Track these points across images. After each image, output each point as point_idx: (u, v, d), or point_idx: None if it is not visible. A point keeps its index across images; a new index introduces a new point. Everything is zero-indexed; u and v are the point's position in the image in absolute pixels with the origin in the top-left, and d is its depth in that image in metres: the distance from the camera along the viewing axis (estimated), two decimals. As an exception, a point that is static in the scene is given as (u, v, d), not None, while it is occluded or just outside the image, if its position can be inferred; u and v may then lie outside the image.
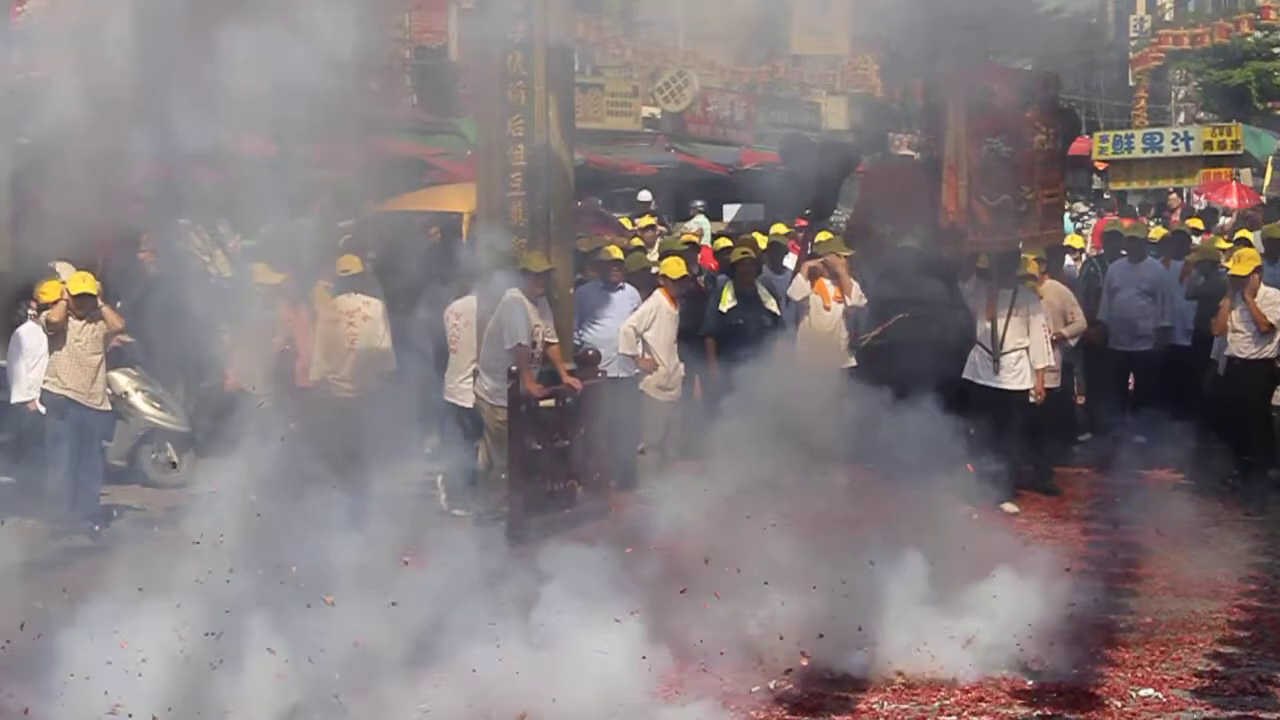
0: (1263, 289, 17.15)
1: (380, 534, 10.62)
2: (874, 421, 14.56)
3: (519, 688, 9.54)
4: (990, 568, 11.45)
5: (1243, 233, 23.00)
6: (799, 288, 17.87)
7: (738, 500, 12.36)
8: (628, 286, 18.10)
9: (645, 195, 30.11)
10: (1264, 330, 16.98)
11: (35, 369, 15.97)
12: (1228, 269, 17.83)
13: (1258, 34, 48.81)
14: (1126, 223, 25.22)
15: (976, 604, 11.11)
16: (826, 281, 17.77)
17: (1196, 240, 22.70)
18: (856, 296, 17.70)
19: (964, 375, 16.74)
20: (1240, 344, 17.15)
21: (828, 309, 17.69)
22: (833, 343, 17.62)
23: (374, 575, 10.07)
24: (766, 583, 10.97)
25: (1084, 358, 20.04)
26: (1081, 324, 18.59)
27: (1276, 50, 51.69)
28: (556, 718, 9.49)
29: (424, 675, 9.74)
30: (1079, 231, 27.48)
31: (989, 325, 16.75)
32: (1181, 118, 52.22)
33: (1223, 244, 21.45)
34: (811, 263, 17.98)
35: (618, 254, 18.85)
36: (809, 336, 17.67)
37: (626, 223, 25.95)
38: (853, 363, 17.58)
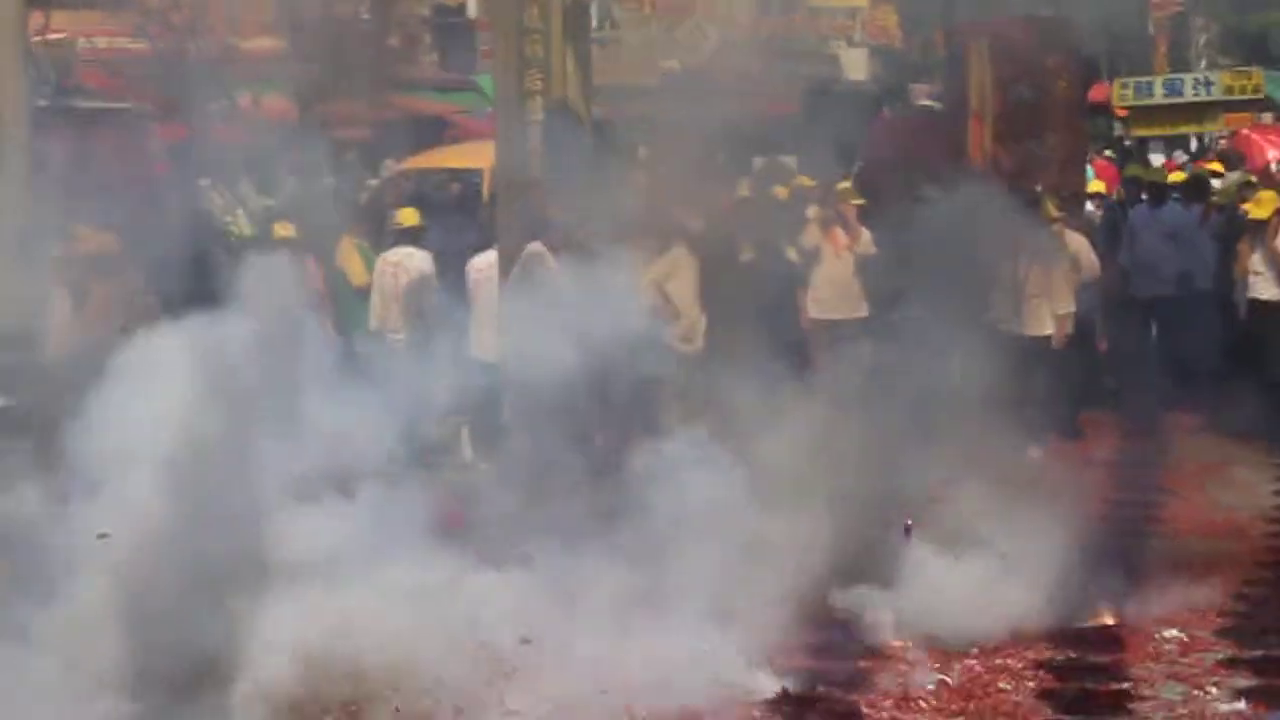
0: (1285, 229, 17.14)
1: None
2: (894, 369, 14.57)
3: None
4: (1014, 511, 11.46)
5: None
6: (810, 235, 17.90)
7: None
8: None
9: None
10: (1280, 273, 17.00)
11: None
12: (1247, 212, 17.81)
13: (1278, -23, 48.59)
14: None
15: (999, 546, 11.13)
16: (838, 229, 17.81)
17: (1217, 183, 22.63)
18: (866, 244, 17.71)
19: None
20: (1261, 286, 17.15)
21: (839, 257, 17.72)
22: (846, 290, 17.65)
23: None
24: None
25: (1105, 303, 20.00)
26: (1094, 269, 18.53)
27: (1298, -6, 51.46)
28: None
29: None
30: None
31: (1010, 272, 16.76)
32: (1203, 64, 51.94)
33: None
34: (823, 211, 18.01)
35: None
36: (822, 285, 17.71)
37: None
38: (865, 312, 17.59)
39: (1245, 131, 30.27)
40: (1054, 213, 17.59)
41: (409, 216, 17.59)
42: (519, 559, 10.07)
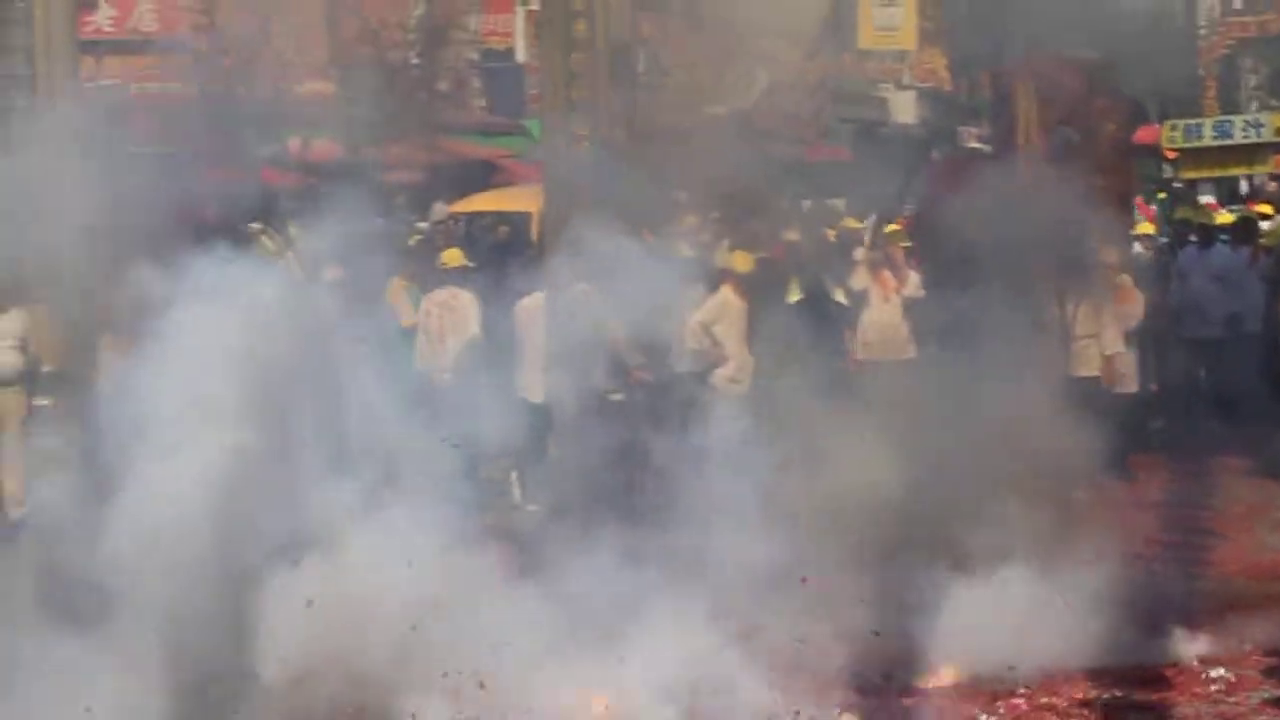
0: (1331, 272, 17.13)
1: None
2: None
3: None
4: (1062, 549, 11.47)
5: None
6: (859, 278, 17.96)
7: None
8: None
9: None
10: (1328, 314, 16.98)
11: None
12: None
13: (1328, 20, 48.51)
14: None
15: (1049, 584, 11.13)
16: (886, 272, 17.86)
17: (1266, 225, 22.61)
18: (914, 287, 17.75)
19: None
20: (1308, 328, 17.17)
21: (887, 300, 17.77)
22: (894, 333, 17.69)
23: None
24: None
25: (1155, 344, 19.99)
26: (1137, 310, 18.42)
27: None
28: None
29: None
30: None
31: (1058, 313, 16.78)
32: (1254, 106, 51.86)
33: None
34: (871, 254, 18.06)
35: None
36: (870, 327, 17.77)
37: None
38: (912, 353, 17.62)
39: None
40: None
41: (454, 257, 17.75)
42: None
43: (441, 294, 17.48)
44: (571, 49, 16.28)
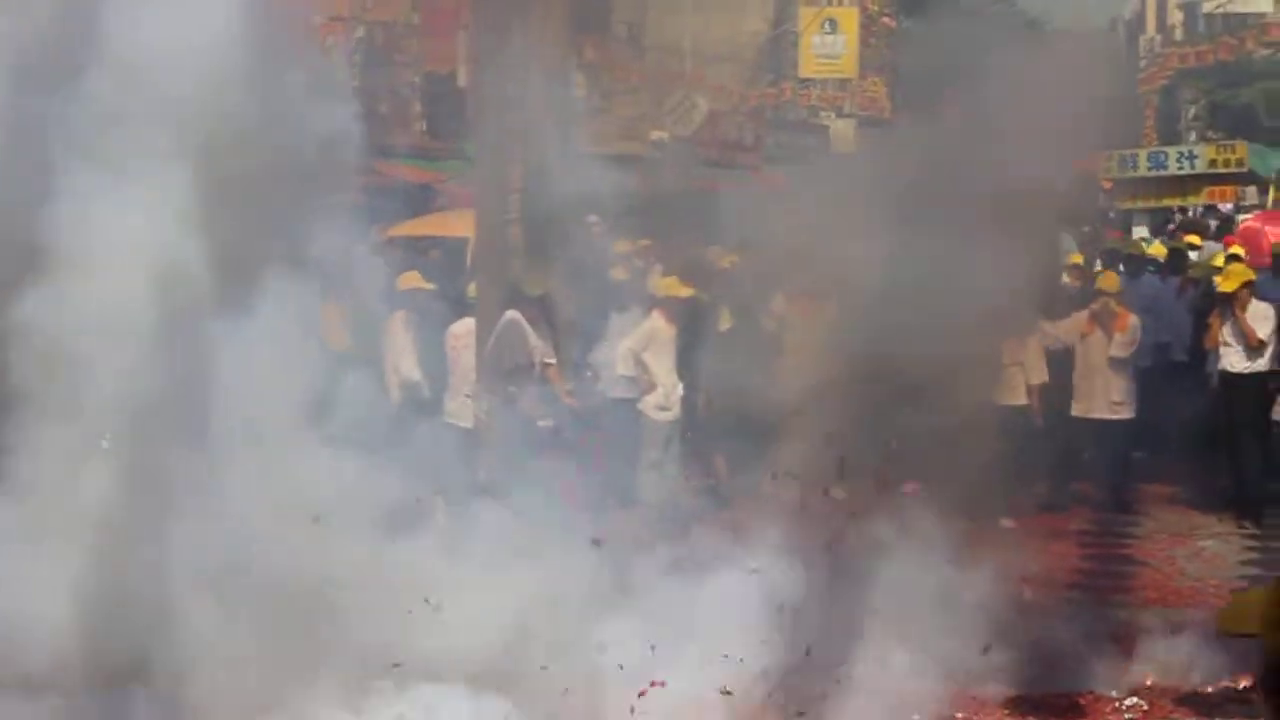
0: (1253, 303, 17.26)
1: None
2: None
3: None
4: (978, 580, 11.55)
5: (1235, 248, 23.11)
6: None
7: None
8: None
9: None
10: (1253, 345, 17.11)
11: None
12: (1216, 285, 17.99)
13: (1264, 51, 48.90)
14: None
15: (962, 615, 11.22)
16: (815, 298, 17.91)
17: (1194, 256, 22.85)
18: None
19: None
20: (1231, 359, 17.30)
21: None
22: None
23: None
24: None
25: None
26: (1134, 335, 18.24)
27: (1284, 68, 51.87)
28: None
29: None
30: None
31: (984, 342, 16.88)
32: (1193, 137, 52.27)
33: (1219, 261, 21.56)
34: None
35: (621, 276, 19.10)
36: (799, 353, 17.81)
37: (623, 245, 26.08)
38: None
39: (1254, 223, 30.23)
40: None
41: (410, 279, 17.47)
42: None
43: (461, 326, 16.99)
44: (505, 72, 16.29)
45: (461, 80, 36.06)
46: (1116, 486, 17.90)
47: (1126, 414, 17.72)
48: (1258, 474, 17.49)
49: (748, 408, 14.58)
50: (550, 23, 16.59)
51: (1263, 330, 17.11)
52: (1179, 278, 20.42)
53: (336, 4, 33.44)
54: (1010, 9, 38.17)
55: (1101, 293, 17.84)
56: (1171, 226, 34.73)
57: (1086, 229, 27.11)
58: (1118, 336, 17.55)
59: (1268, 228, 27.97)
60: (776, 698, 10.45)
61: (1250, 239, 27.08)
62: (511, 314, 15.55)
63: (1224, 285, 17.52)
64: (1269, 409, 18.32)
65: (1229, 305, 17.30)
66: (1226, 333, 17.29)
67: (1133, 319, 17.73)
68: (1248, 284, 17.40)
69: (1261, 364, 17.20)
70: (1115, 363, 17.63)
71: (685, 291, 18.11)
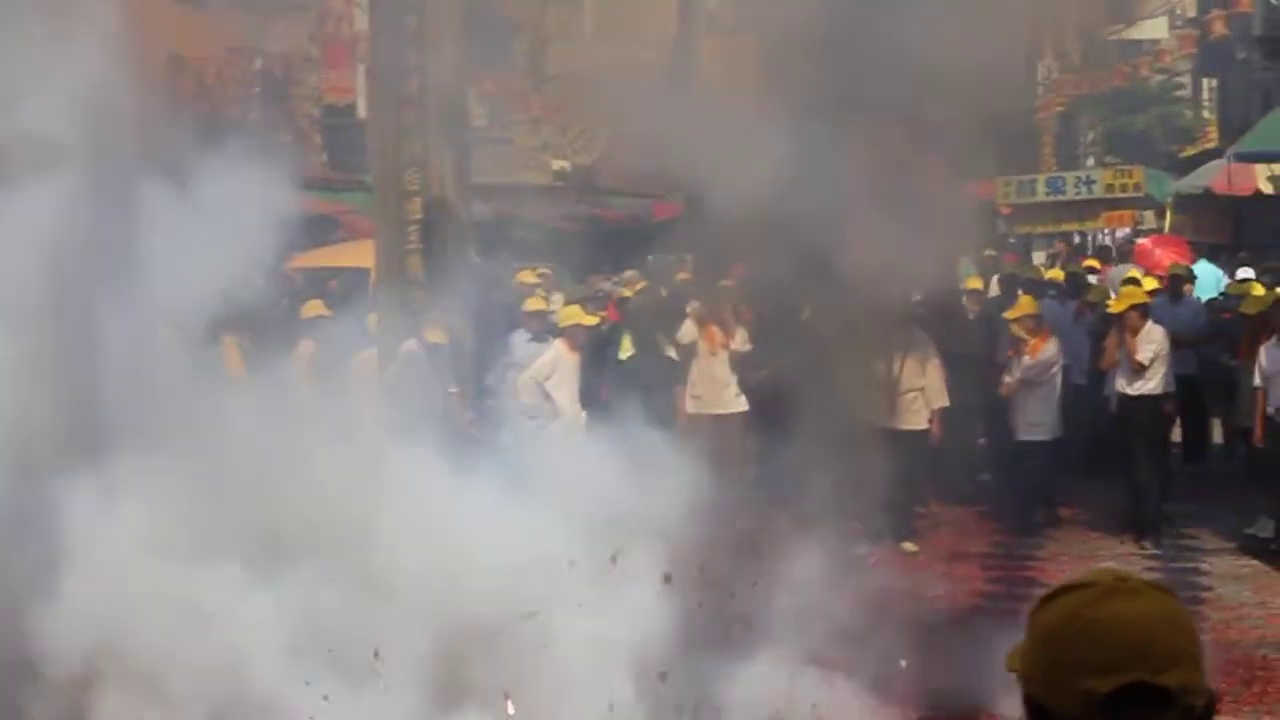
0: (1147, 325, 17.39)
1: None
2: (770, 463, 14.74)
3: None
4: (874, 604, 11.62)
5: (1131, 272, 23.34)
6: (686, 332, 18.06)
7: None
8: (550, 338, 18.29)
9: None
10: (1135, 368, 17.24)
11: None
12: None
13: (1159, 77, 49.42)
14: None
15: (860, 635, 11.27)
16: (714, 326, 17.98)
17: (1093, 279, 23.05)
18: (742, 341, 17.90)
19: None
20: (1124, 381, 17.44)
21: (714, 354, 17.89)
22: (722, 387, 17.83)
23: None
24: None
25: (982, 397, 20.27)
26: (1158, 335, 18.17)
27: (1179, 94, 52.40)
28: None
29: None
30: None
31: (884, 367, 16.98)
32: (1090, 162, 52.75)
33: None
34: (698, 308, 18.19)
35: (538, 305, 19.14)
36: (699, 380, 17.88)
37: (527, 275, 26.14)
38: (743, 407, 17.77)
39: (1145, 244, 30.61)
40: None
41: (313, 308, 17.40)
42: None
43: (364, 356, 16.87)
44: (402, 104, 16.31)
45: (362, 111, 36.05)
46: (1024, 508, 18.03)
47: (1043, 435, 17.87)
48: (1156, 494, 17.64)
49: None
50: (448, 54, 16.62)
51: (1145, 353, 17.20)
52: (1077, 302, 20.57)
53: (234, 36, 33.32)
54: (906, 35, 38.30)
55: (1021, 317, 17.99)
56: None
57: (988, 253, 27.34)
58: (1032, 359, 17.75)
59: (1159, 250, 28.34)
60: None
61: (1142, 261, 27.44)
62: (410, 343, 15.53)
63: (1115, 306, 17.71)
64: (1166, 430, 18.53)
65: (1121, 327, 17.46)
66: (1121, 355, 17.46)
67: (1051, 341, 17.92)
68: (1137, 306, 17.54)
69: (1150, 386, 17.30)
70: (1030, 384, 17.82)
71: (588, 320, 18.15)
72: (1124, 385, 17.45)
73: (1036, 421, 17.88)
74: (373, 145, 17.83)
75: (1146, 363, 17.22)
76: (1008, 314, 18.48)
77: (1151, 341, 17.31)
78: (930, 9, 14.25)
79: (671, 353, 18.40)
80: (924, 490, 18.04)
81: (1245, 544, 17.03)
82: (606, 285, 26.11)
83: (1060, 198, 36.32)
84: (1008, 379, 17.96)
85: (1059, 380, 17.98)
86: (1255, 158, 31.59)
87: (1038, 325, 17.98)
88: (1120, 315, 17.52)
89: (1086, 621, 3.10)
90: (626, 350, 18.27)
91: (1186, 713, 3.07)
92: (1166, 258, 27.22)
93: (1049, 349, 17.83)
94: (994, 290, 22.86)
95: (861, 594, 11.87)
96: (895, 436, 16.82)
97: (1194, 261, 25.97)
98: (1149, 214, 37.74)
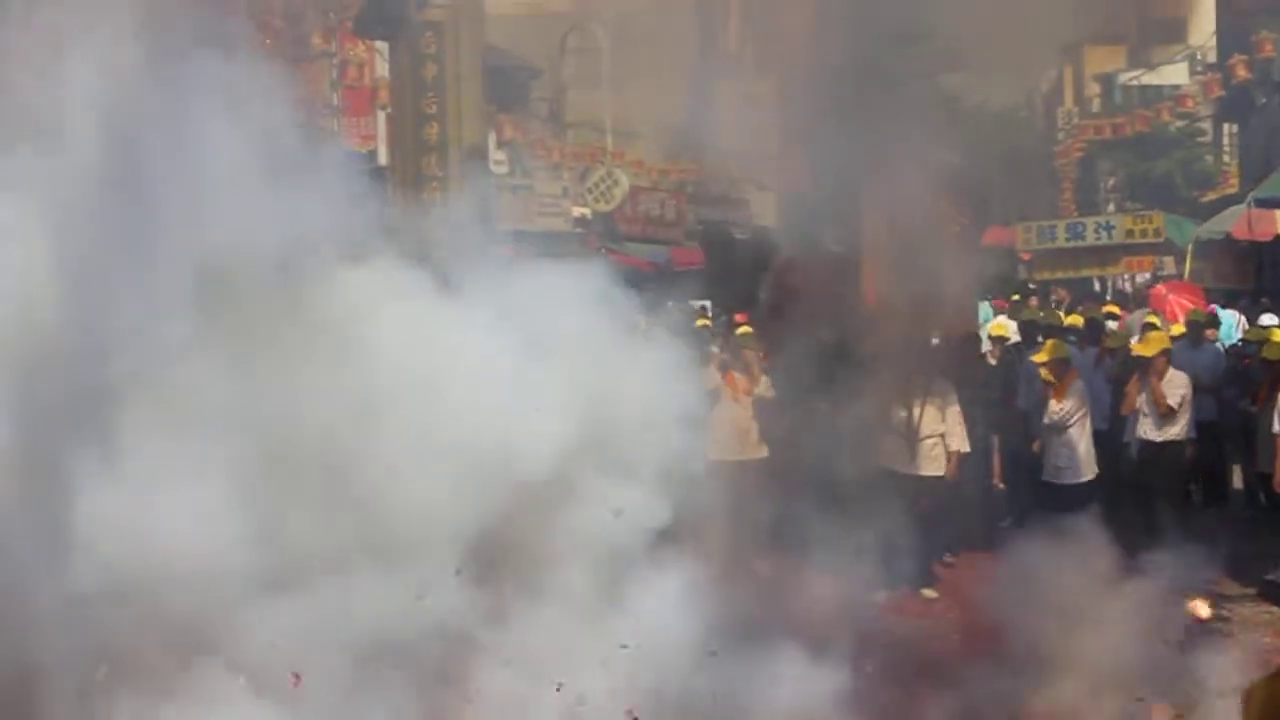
0: (1170, 371, 17.40)
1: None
2: (789, 510, 14.75)
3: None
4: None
5: (1150, 317, 23.33)
6: (709, 378, 18.09)
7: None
8: None
9: None
10: (1163, 413, 17.23)
11: None
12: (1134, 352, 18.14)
13: (1179, 123, 49.46)
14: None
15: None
16: (737, 373, 18.04)
17: (1112, 325, 23.03)
18: (765, 388, 17.94)
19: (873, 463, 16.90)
20: (1147, 427, 17.42)
21: (736, 400, 17.93)
22: (744, 433, 17.85)
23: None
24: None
25: (1002, 443, 20.27)
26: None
27: (1200, 139, 52.42)
28: None
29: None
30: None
31: (904, 413, 16.97)
32: (1111, 207, 52.80)
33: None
34: (721, 354, 18.25)
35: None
36: (720, 427, 17.88)
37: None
38: (765, 453, 17.79)
39: (1160, 289, 30.60)
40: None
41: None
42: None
43: None
44: (423, 152, 16.40)
45: (382, 158, 36.17)
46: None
47: (1070, 479, 17.83)
48: (1176, 541, 17.54)
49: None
50: (469, 101, 16.71)
51: (1174, 398, 17.25)
52: (1097, 348, 20.55)
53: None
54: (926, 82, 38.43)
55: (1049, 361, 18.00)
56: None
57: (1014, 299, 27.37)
58: (1058, 403, 17.74)
59: (1172, 296, 28.33)
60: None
61: (1156, 306, 27.43)
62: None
63: (1141, 350, 17.68)
64: (1186, 477, 18.49)
65: (1145, 372, 17.45)
66: (1143, 401, 17.44)
67: (1078, 382, 17.91)
68: (1165, 351, 17.57)
69: (1176, 432, 17.33)
70: (1056, 429, 17.83)
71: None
72: (1148, 431, 17.43)
73: (1065, 465, 17.85)
74: (394, 191, 17.88)
75: (1176, 406, 17.23)
76: (1035, 357, 18.47)
77: (1177, 387, 17.32)
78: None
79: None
80: (945, 536, 17.97)
81: (1265, 590, 16.95)
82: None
83: (1080, 243, 36.33)
84: (1048, 420, 17.91)
85: (1087, 423, 17.95)
86: (1276, 203, 31.56)
87: (1064, 368, 17.97)
88: (1145, 360, 17.51)
89: None
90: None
91: None
92: (1179, 303, 27.25)
93: (1076, 391, 17.82)
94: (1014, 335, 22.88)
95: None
96: (915, 482, 16.83)
97: (1207, 307, 25.98)
98: (1169, 259, 37.72)
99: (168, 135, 9.46)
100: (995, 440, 20.22)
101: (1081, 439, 17.89)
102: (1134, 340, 19.45)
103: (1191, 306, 25.26)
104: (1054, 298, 34.01)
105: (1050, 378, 17.86)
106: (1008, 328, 23.98)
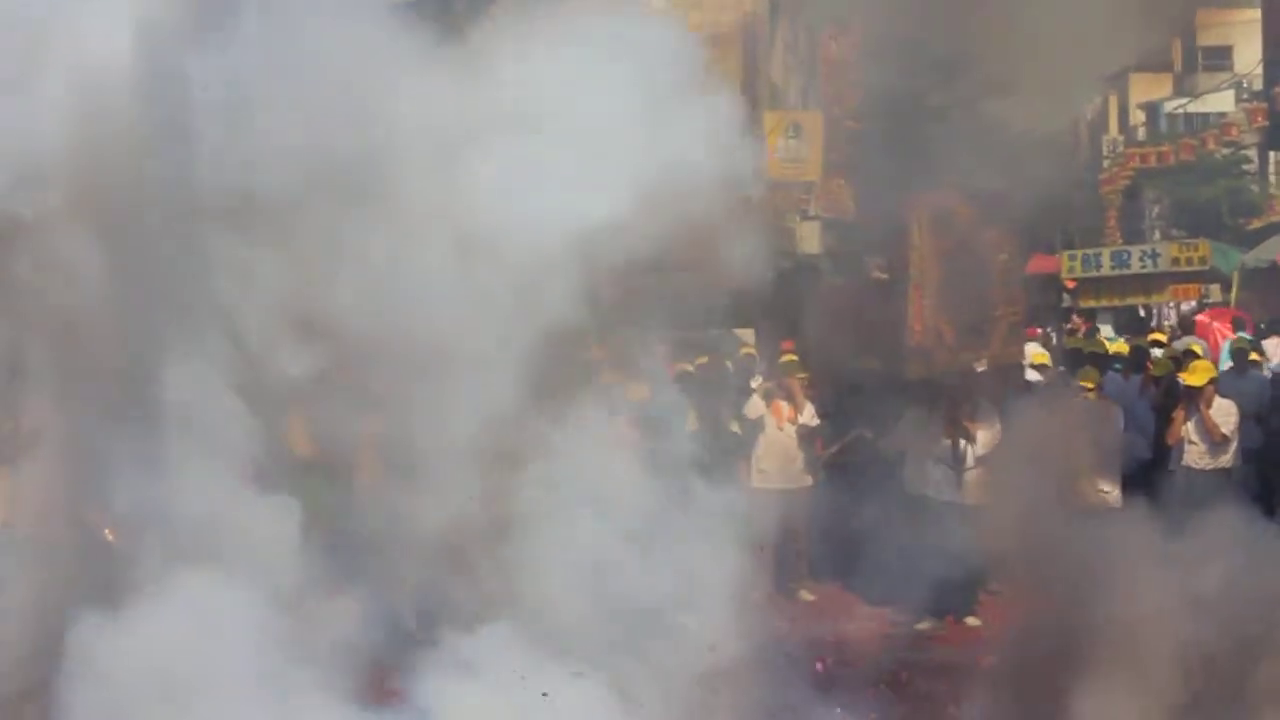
0: (1217, 400, 17.36)
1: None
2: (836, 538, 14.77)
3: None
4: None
5: (1192, 345, 23.20)
6: (754, 406, 18.13)
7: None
8: None
9: None
10: (1217, 441, 17.19)
11: None
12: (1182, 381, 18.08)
13: (1225, 150, 49.30)
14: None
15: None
16: (782, 401, 18.05)
17: (1157, 353, 22.92)
18: (809, 416, 17.94)
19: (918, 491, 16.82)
20: (1195, 455, 17.37)
21: (781, 428, 17.94)
22: (789, 461, 17.85)
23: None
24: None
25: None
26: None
27: (1245, 167, 52.25)
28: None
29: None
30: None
31: (948, 442, 16.93)
32: (1156, 235, 52.65)
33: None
34: (766, 383, 18.27)
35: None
36: (765, 455, 17.90)
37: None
38: (809, 481, 17.79)
39: (1202, 318, 30.38)
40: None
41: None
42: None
43: None
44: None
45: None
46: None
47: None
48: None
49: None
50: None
51: (1226, 426, 17.20)
52: (1141, 375, 20.48)
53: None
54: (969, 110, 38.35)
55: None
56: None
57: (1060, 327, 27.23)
58: None
59: (1216, 324, 28.20)
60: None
61: (1200, 335, 27.30)
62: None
63: (1190, 379, 17.63)
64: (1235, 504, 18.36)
65: (1194, 401, 17.40)
66: (1190, 429, 17.39)
67: (1115, 410, 17.86)
68: (1214, 380, 17.53)
69: (1225, 460, 17.27)
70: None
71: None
72: (1196, 459, 17.38)
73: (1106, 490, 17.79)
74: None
75: (1229, 435, 17.20)
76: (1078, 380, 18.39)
77: (1226, 415, 17.28)
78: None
79: (735, 427, 18.40)
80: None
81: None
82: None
83: (1125, 271, 36.13)
84: None
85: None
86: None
87: (1100, 396, 17.92)
88: (1193, 389, 17.47)
89: None
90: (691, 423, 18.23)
91: None
92: (1222, 331, 27.15)
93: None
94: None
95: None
96: (961, 510, 16.77)
97: (1251, 329, 25.87)
98: (1215, 287, 37.51)
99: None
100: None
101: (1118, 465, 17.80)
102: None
103: (1234, 335, 25.14)
104: (1070, 327, 33.85)
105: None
106: (1046, 356, 23.88)
